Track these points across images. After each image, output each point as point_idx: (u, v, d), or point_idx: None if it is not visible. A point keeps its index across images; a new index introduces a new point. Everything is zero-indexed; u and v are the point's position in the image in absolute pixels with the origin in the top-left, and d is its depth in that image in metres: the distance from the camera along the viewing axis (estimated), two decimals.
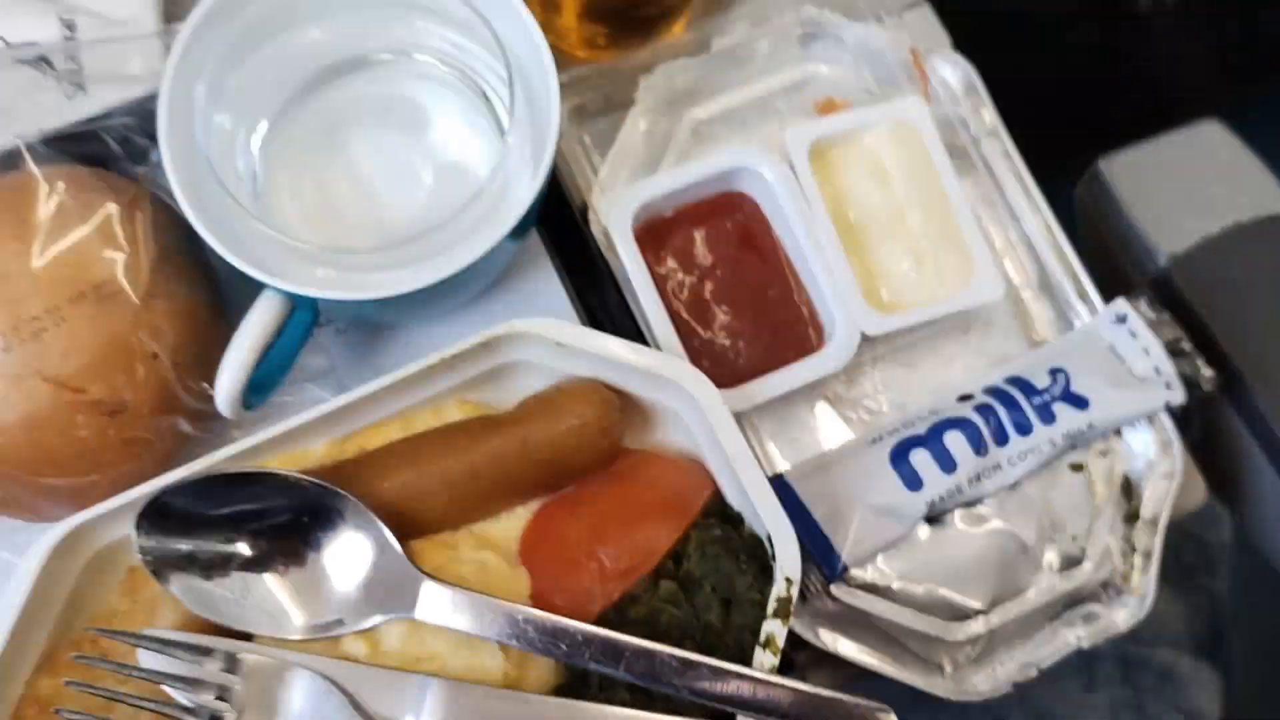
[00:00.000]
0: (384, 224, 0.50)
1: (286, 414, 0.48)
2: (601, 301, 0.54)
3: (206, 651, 0.42)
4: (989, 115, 0.55)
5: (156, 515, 0.43)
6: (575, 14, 0.54)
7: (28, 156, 0.46)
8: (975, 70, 0.55)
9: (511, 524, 0.47)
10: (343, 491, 0.43)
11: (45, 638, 0.45)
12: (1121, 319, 0.52)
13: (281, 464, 0.46)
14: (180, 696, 0.41)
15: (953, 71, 0.55)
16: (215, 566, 0.43)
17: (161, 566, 0.43)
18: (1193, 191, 0.57)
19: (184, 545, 0.43)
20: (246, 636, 0.44)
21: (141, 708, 0.41)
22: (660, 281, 0.51)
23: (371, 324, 0.52)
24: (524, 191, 0.45)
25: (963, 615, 0.50)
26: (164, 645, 0.41)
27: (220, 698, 0.41)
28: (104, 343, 0.44)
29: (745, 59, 0.56)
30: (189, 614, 0.44)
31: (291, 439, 0.46)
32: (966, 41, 0.59)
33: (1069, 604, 0.51)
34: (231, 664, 0.42)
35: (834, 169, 0.52)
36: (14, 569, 0.43)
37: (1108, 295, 0.55)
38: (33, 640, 0.44)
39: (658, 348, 0.49)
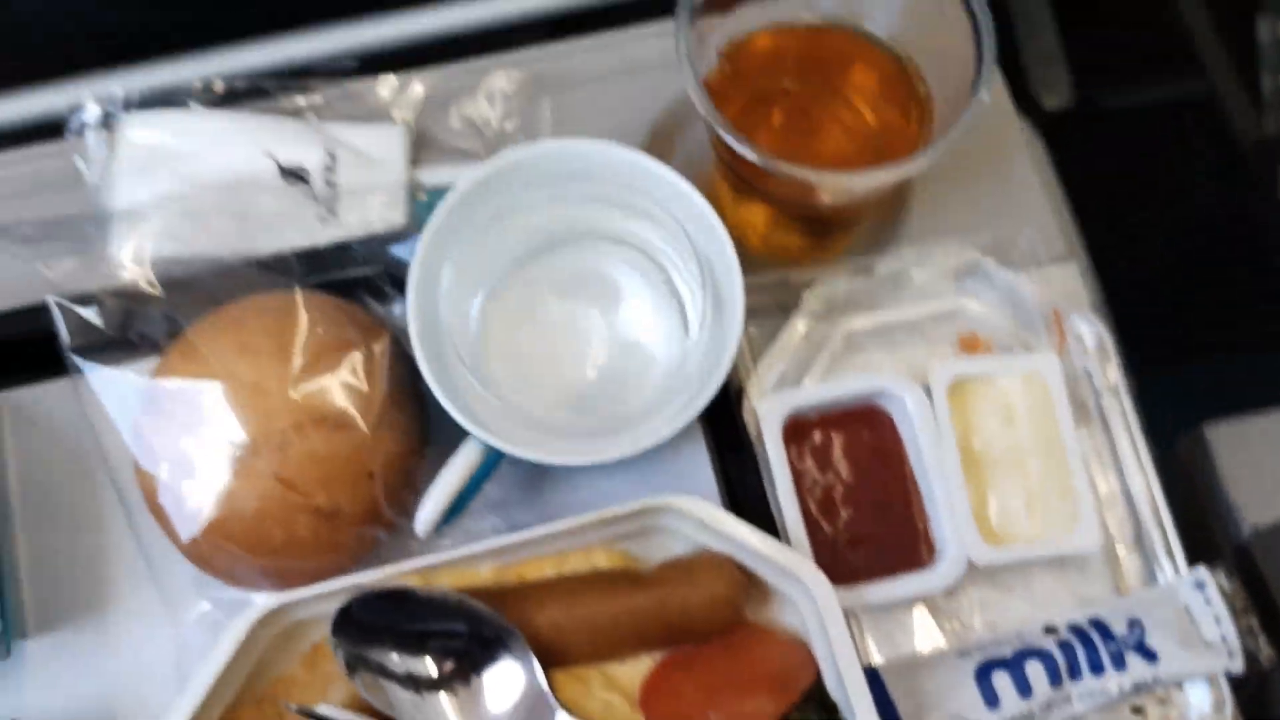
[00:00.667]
0: (565, 387, 0.58)
1: (460, 536, 0.57)
2: (740, 474, 0.61)
3: None
4: (1113, 374, 0.62)
5: (348, 618, 0.51)
6: (766, 220, 0.62)
7: (298, 291, 0.54)
8: (1108, 331, 0.62)
9: (636, 670, 0.54)
10: (512, 627, 0.51)
11: (232, 693, 0.53)
12: (1200, 585, 0.58)
13: (453, 580, 0.53)
14: None
15: (1088, 330, 0.62)
16: (393, 672, 0.50)
17: (350, 659, 0.51)
18: None
19: (371, 648, 0.50)
20: None
21: None
22: (797, 476, 0.58)
23: (544, 469, 0.60)
24: (708, 387, 0.52)
25: None
26: None
27: None
28: (332, 460, 0.52)
29: (903, 284, 0.63)
30: (357, 695, 0.52)
31: (465, 562, 0.54)
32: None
33: None
34: None
35: (968, 403, 0.59)
36: (222, 627, 0.51)
37: (1192, 549, 0.61)
38: (223, 693, 0.52)
39: (787, 538, 0.56)
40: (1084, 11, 1.36)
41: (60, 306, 0.53)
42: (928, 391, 0.58)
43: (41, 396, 0.60)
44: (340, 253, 0.60)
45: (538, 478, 0.60)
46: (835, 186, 0.56)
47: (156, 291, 0.54)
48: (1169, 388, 0.66)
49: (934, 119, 0.58)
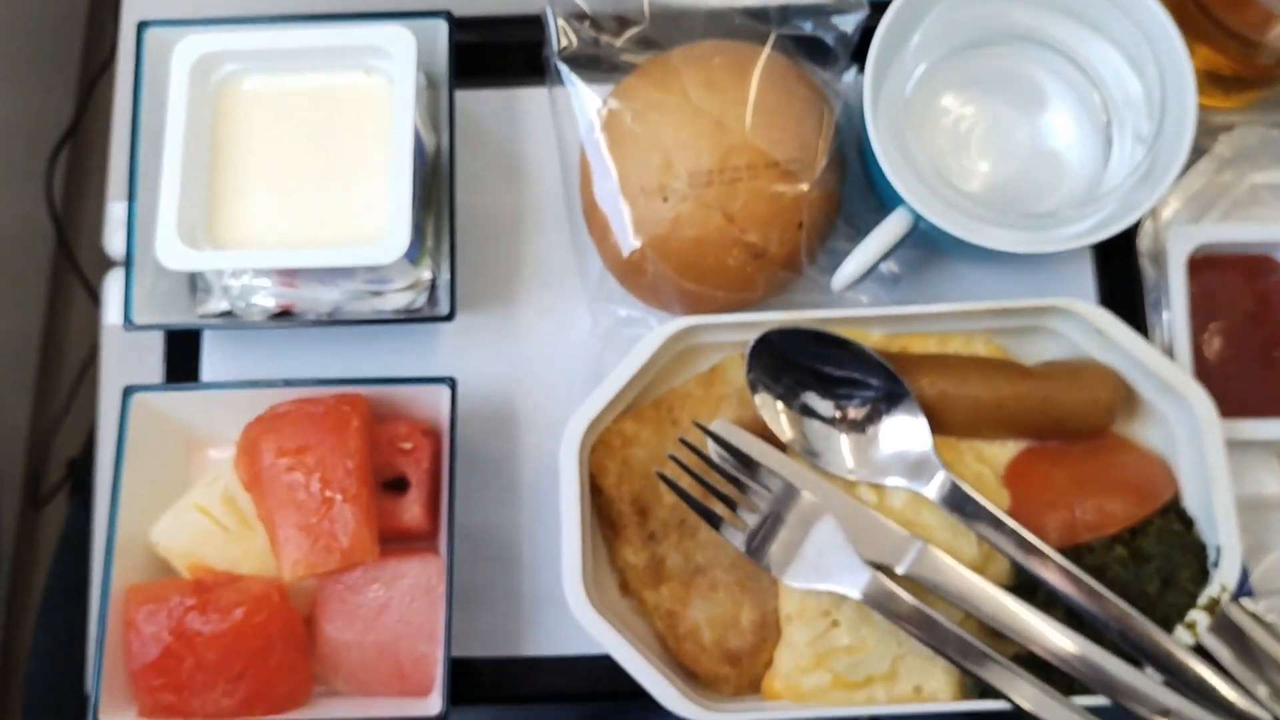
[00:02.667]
0: (979, 179, 0.60)
1: (856, 302, 0.60)
2: (1112, 294, 0.63)
3: (767, 472, 0.54)
4: None
5: (768, 345, 0.55)
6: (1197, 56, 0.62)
7: (768, 45, 0.57)
8: None
9: (1004, 452, 0.58)
10: (906, 383, 0.55)
11: (635, 394, 0.59)
12: None
13: (849, 335, 0.58)
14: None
15: None
16: (802, 402, 0.55)
17: (757, 382, 0.56)
18: None
19: (783, 376, 0.55)
20: (779, 445, 0.56)
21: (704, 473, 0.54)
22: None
23: (938, 250, 0.63)
24: (1137, 208, 0.54)
25: None
26: (751, 460, 0.54)
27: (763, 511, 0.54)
28: (773, 205, 0.56)
29: None
30: (744, 417, 0.57)
31: (860, 322, 0.58)
32: None
33: None
34: (786, 490, 0.54)
35: None
36: (640, 338, 0.57)
37: None
38: (629, 392, 0.58)
39: (1174, 360, 0.58)
40: None
41: (554, 13, 0.57)
42: None
43: (493, 102, 0.65)
44: (783, 12, 0.61)
45: (925, 261, 0.63)
46: None
47: (644, 18, 0.57)
48: None
49: None
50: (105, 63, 0.68)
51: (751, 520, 0.53)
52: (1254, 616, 0.58)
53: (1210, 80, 0.64)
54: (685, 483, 0.54)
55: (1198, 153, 0.63)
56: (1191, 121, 0.55)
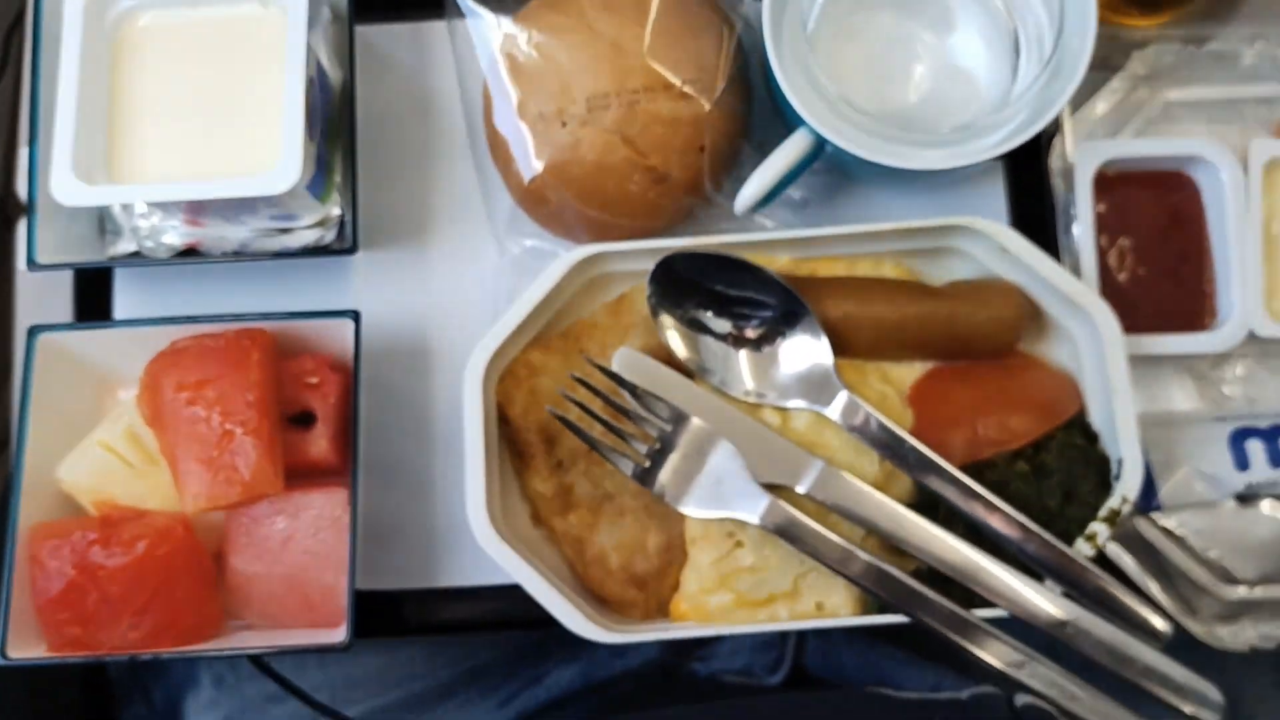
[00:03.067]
0: (888, 99, 0.59)
1: (763, 228, 0.60)
2: (1031, 214, 0.62)
3: (659, 403, 0.54)
4: None
5: (669, 270, 0.55)
6: None
7: None
8: None
9: (909, 372, 0.58)
10: (806, 304, 0.55)
11: (542, 324, 0.59)
12: None
13: (754, 260, 0.57)
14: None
15: None
16: (703, 324, 0.55)
17: (659, 307, 0.56)
18: None
19: (686, 300, 0.55)
20: (686, 372, 0.56)
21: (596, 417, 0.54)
22: (1097, 226, 0.59)
23: (848, 175, 0.62)
24: (1038, 121, 0.54)
25: (1232, 580, 0.59)
26: (638, 390, 0.54)
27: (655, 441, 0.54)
28: (672, 127, 0.56)
29: (1229, 62, 0.62)
30: (651, 345, 0.57)
31: (767, 247, 0.58)
32: None
33: None
34: (676, 418, 0.54)
35: (1276, 185, 0.59)
36: (545, 268, 0.57)
37: None
38: (535, 323, 0.58)
39: (1080, 278, 0.58)
40: None
41: None
42: (1245, 166, 0.59)
43: (395, 35, 0.65)
44: None
45: (836, 187, 0.63)
46: None
47: None
48: None
49: None
50: (20, 11, 0.67)
51: (644, 449, 0.53)
52: (1164, 530, 0.58)
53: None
54: (575, 416, 0.54)
55: (1113, 70, 0.62)
56: (1092, 29, 0.54)
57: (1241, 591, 0.59)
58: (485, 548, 0.54)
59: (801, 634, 0.68)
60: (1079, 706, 0.51)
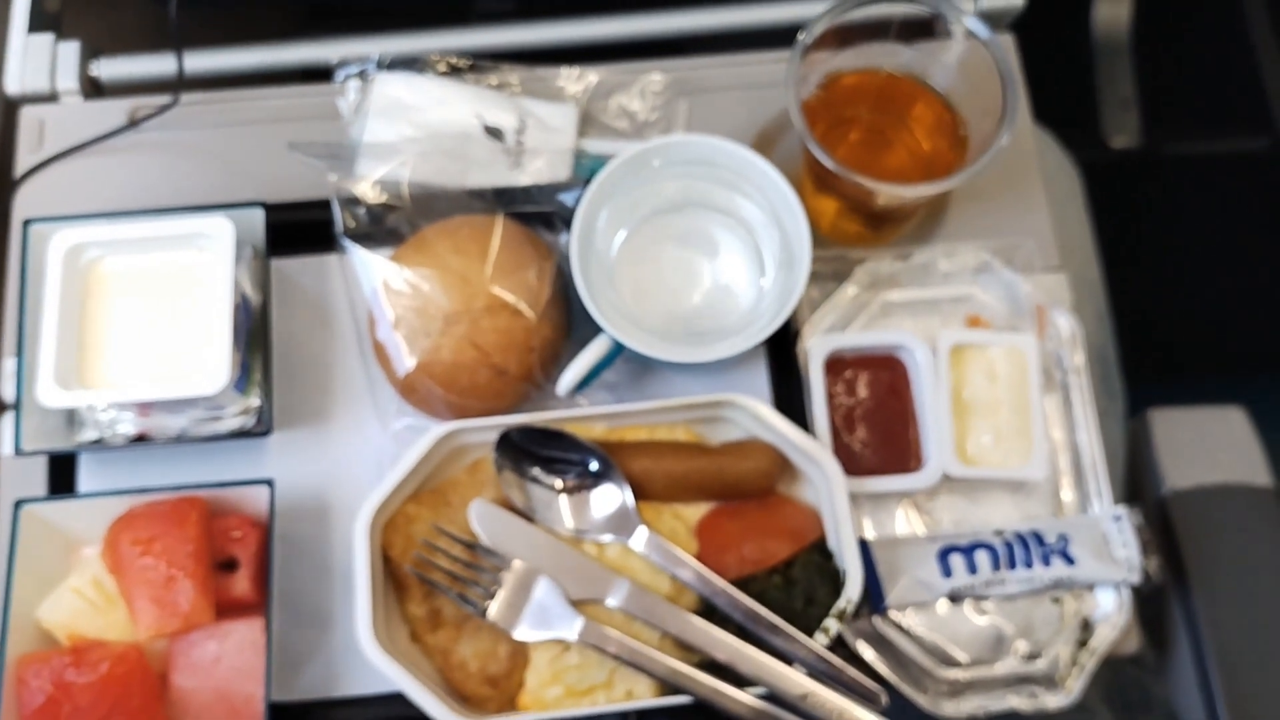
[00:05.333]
0: (672, 309, 0.80)
1: (585, 405, 0.80)
2: (786, 391, 0.83)
3: (491, 553, 0.72)
4: (1079, 358, 0.82)
5: (508, 440, 0.74)
6: (836, 211, 0.84)
7: (499, 216, 0.77)
8: (1080, 326, 0.83)
9: (695, 511, 0.77)
10: (613, 461, 0.74)
11: (414, 486, 0.77)
12: (1117, 518, 0.79)
13: (576, 432, 0.76)
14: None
15: (1064, 323, 0.82)
16: (535, 478, 0.74)
17: (502, 468, 0.74)
18: (1204, 451, 0.83)
19: (521, 462, 0.74)
20: (526, 516, 0.74)
21: (444, 560, 0.72)
22: (830, 397, 0.80)
23: (647, 365, 0.82)
24: (775, 321, 0.75)
25: (951, 663, 0.77)
26: (475, 546, 0.72)
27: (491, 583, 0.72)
28: (507, 334, 0.75)
29: (931, 271, 0.84)
30: (499, 497, 0.75)
31: (586, 420, 0.77)
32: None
33: (1021, 681, 0.77)
34: (505, 563, 0.72)
35: (963, 362, 0.80)
36: (417, 441, 0.75)
37: (1126, 497, 0.81)
38: (408, 485, 0.76)
39: (814, 437, 0.78)
40: (1163, 63, 1.55)
41: (339, 203, 0.77)
42: (935, 350, 0.80)
43: (302, 267, 0.84)
44: (523, 192, 0.83)
45: (643, 374, 0.82)
46: (889, 194, 0.77)
47: (405, 203, 0.77)
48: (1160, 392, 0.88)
49: (968, 151, 0.79)
50: None
51: (479, 592, 0.71)
52: (895, 624, 0.77)
53: (864, 221, 0.86)
54: (434, 574, 0.72)
55: (843, 279, 0.84)
56: (807, 259, 0.75)
57: (957, 672, 0.77)
58: (371, 659, 0.70)
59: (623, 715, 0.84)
60: None
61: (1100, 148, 1.53)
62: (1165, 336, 1.23)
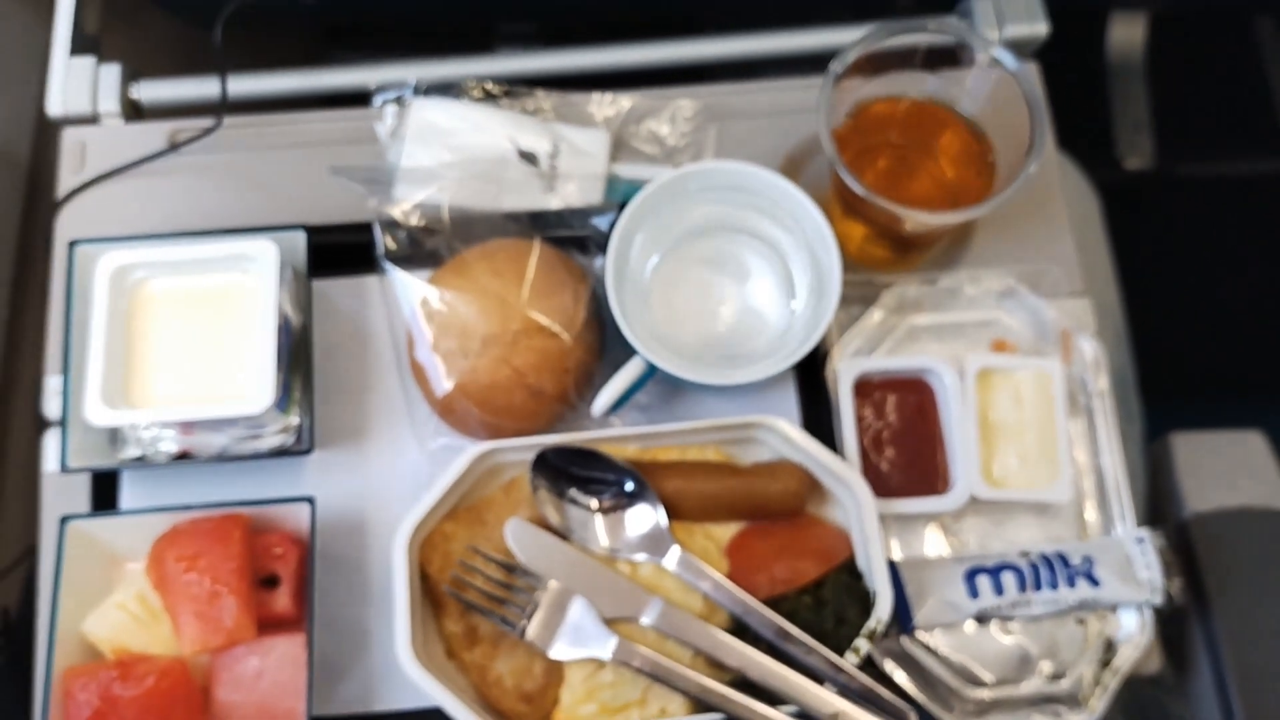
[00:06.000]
0: (703, 332, 0.82)
1: (618, 425, 0.81)
2: (815, 414, 0.84)
3: (527, 573, 0.74)
4: (1103, 382, 0.84)
5: (544, 460, 0.76)
6: (863, 235, 0.85)
7: (536, 240, 0.79)
8: (1103, 351, 0.84)
9: (726, 531, 0.78)
10: (647, 482, 0.75)
11: (451, 504, 0.78)
12: (1140, 540, 0.80)
13: (610, 452, 0.78)
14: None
15: (1089, 348, 0.84)
16: (570, 498, 0.76)
17: (538, 487, 0.76)
18: (1225, 475, 0.85)
19: (557, 481, 0.76)
20: (560, 535, 0.76)
21: (479, 581, 0.74)
22: (858, 419, 0.81)
23: (679, 387, 0.84)
24: (806, 345, 0.76)
25: (977, 683, 0.78)
26: (513, 567, 0.74)
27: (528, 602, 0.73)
28: (543, 356, 0.77)
29: (957, 296, 0.85)
30: (534, 516, 0.77)
31: (619, 440, 0.79)
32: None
33: (1045, 700, 0.79)
34: (541, 583, 0.73)
35: (989, 386, 0.82)
36: (453, 460, 0.77)
37: (1148, 519, 0.83)
38: (449, 500, 0.77)
39: (843, 458, 0.80)
40: (1177, 86, 1.57)
41: (380, 225, 0.79)
42: (962, 374, 0.81)
43: (342, 288, 0.86)
44: (558, 216, 0.84)
45: (674, 395, 0.84)
46: (916, 220, 0.78)
47: (445, 227, 0.79)
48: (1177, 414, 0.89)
49: (996, 179, 0.80)
50: (27, 270, 0.87)
51: (516, 611, 0.72)
52: (923, 645, 0.78)
53: (891, 246, 0.88)
54: (471, 594, 0.73)
55: (870, 304, 0.85)
56: (837, 284, 0.77)
57: (983, 692, 0.78)
58: (410, 675, 0.71)
59: None
60: None
61: (1115, 169, 1.55)
62: (1181, 358, 1.25)
